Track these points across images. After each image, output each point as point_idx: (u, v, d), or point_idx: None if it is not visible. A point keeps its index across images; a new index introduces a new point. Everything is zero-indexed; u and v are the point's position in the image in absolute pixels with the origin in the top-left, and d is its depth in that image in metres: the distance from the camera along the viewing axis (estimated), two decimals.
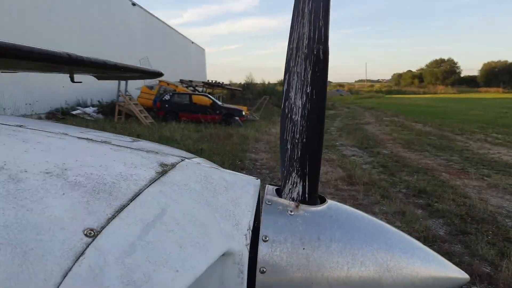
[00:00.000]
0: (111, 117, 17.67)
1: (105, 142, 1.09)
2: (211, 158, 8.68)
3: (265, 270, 0.87)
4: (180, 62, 39.11)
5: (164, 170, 0.94)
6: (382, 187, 6.64)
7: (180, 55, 39.77)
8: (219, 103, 19.26)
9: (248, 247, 0.85)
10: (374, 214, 5.34)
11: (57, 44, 17.51)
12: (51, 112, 17.28)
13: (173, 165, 0.99)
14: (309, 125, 0.96)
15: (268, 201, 0.97)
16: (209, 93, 26.11)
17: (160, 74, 5.83)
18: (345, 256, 0.90)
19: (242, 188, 1.02)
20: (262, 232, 0.90)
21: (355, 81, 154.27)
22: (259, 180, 1.09)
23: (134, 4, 28.41)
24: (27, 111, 15.29)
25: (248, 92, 32.22)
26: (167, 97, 18.56)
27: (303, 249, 0.89)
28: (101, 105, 20.21)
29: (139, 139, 1.38)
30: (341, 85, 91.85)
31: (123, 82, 17.84)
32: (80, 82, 4.86)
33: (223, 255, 0.79)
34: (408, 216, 5.12)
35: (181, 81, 24.26)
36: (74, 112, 17.91)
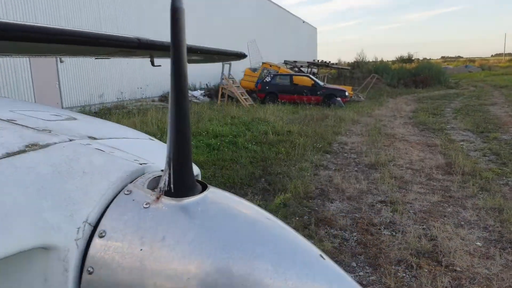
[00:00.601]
0: (215, 100, 18.66)
1: (10, 120, 1.09)
2: (297, 140, 8.53)
3: (92, 270, 0.74)
4: (290, 42, 39.14)
5: (21, 150, 0.89)
6: (485, 178, 5.68)
7: (290, 36, 39.76)
8: (321, 83, 18.77)
9: (80, 242, 0.74)
10: (464, 208, 4.61)
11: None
12: (163, 95, 18.99)
13: (43, 146, 0.93)
14: (172, 103, 0.79)
15: (127, 191, 0.83)
16: (314, 73, 25.66)
17: (243, 56, 5.84)
18: (187, 263, 0.72)
19: (105, 174, 0.89)
20: (101, 226, 0.78)
21: (492, 56, 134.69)
22: (144, 165, 0.94)
23: None
24: (139, 94, 17.03)
25: (358, 71, 30.73)
26: (267, 79, 18.78)
27: (141, 250, 0.74)
28: (208, 88, 21.47)
29: (76, 118, 1.36)
30: (472, 60, 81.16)
31: (227, 66, 18.59)
32: (159, 65, 5.15)
33: (44, 248, 0.73)
34: (506, 214, 4.28)
35: (285, 62, 24.27)
36: None
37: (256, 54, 24.24)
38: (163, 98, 18.85)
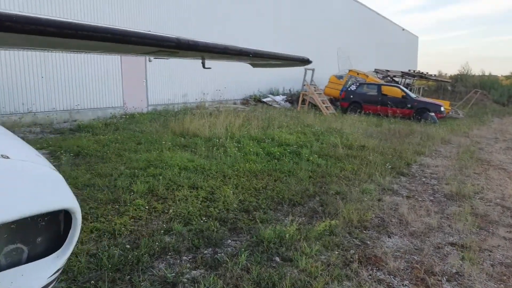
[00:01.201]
0: (296, 106, 18.27)
1: None
2: (369, 157, 7.73)
3: None
4: (385, 50, 37.12)
5: None
6: None
7: (386, 44, 37.72)
8: (413, 95, 17.25)
9: None
10: None
11: (260, 33, 19.16)
12: (245, 98, 19.15)
13: None
14: None
15: None
16: (408, 85, 23.84)
17: (307, 62, 5.40)
18: None
19: None
20: None
21: None
22: None
23: None
24: (218, 96, 17.31)
25: (460, 85, 27.83)
26: (353, 87, 17.83)
27: None
28: (290, 94, 21.16)
29: None
30: None
31: (309, 71, 18.08)
32: (209, 68, 4.94)
33: None
34: None
35: (376, 71, 22.91)
36: (264, 99, 19.32)
37: (345, 61, 23.29)
38: (244, 101, 19.00)
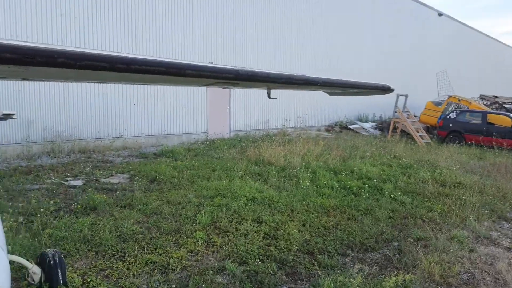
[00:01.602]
0: (386, 133, 17.22)
1: None
2: (465, 197, 6.71)
3: None
4: (494, 75, 33.70)
5: None
6: None
7: (494, 67, 34.27)
8: None
9: None
10: None
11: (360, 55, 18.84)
12: (330, 125, 18.62)
13: None
14: None
15: None
16: None
17: (389, 90, 4.97)
18: None
19: None
20: None
21: None
22: None
23: (440, 15, 26.70)
24: (299, 123, 17.05)
25: None
26: (452, 115, 16.25)
27: None
28: (381, 121, 20.06)
29: None
30: None
31: (402, 97, 17.00)
32: (275, 98, 4.77)
33: None
34: None
35: (481, 97, 20.72)
36: (351, 126, 18.59)
37: (446, 86, 21.53)
38: (329, 127, 18.50)
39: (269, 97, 4.46)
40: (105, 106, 10.91)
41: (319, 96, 15.66)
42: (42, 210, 5.24)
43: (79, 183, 7.11)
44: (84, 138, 10.50)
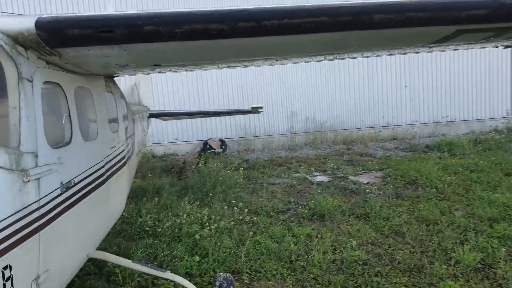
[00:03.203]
0: None
1: None
2: None
3: None
4: None
5: None
6: None
7: None
8: None
9: None
10: None
11: None
12: None
13: None
14: None
15: None
16: None
17: None
18: None
19: None
20: None
21: None
22: None
23: None
24: None
25: None
26: None
27: None
28: None
29: None
30: None
31: None
32: None
33: None
34: None
35: None
36: None
37: None
38: None
39: None
40: (370, 91, 9.91)
41: None
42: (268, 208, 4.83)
43: (324, 179, 6.42)
44: (347, 128, 9.89)
